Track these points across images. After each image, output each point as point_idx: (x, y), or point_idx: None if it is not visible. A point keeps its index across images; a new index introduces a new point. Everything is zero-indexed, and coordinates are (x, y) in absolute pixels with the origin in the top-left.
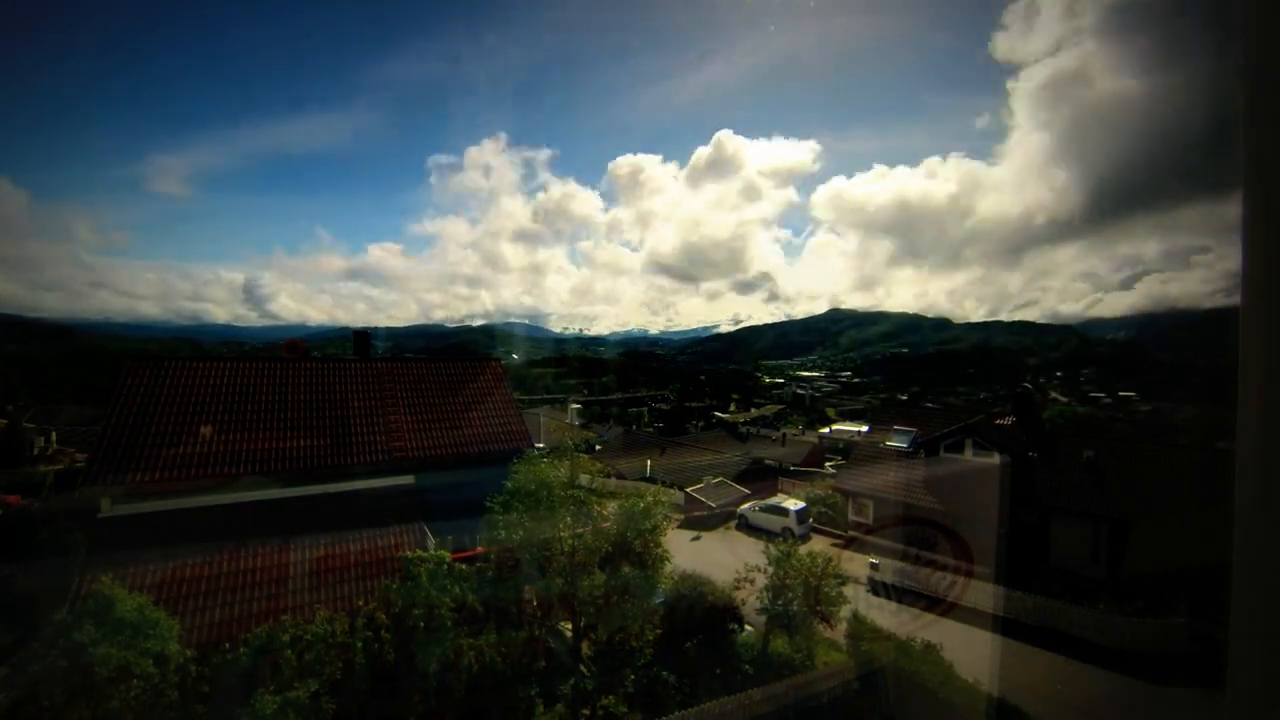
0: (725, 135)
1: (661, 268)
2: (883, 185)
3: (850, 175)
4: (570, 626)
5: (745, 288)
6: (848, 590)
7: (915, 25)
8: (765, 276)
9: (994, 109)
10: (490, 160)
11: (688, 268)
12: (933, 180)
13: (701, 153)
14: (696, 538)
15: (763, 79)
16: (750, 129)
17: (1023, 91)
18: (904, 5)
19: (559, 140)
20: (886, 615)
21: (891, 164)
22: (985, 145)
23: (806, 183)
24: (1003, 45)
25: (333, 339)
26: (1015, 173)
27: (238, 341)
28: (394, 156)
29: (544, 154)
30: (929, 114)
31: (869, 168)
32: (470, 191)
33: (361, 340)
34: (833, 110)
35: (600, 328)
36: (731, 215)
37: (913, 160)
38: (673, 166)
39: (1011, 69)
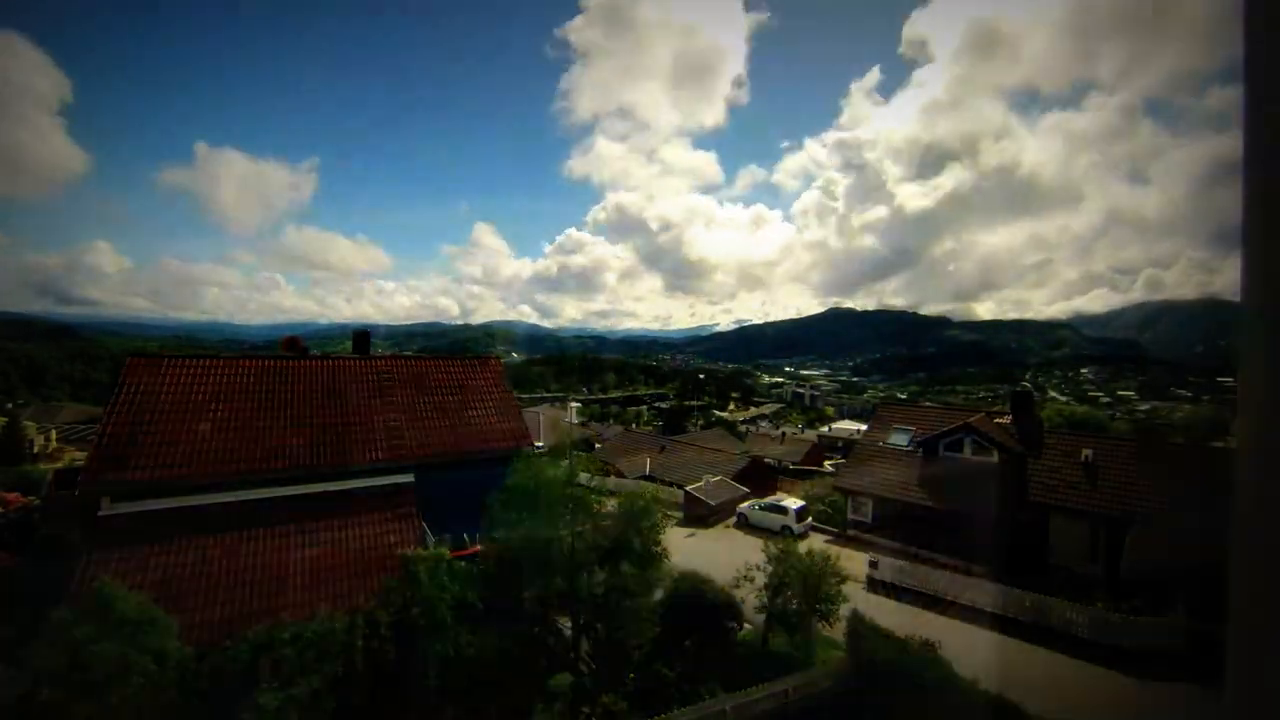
0: None
1: None
2: None
3: None
4: (570, 624)
5: None
6: (847, 588)
7: None
8: None
9: None
10: None
11: None
12: None
13: None
14: (692, 534)
15: None
16: None
17: None
18: None
19: None
20: (885, 613)
21: None
22: None
23: None
24: None
25: (332, 337)
26: None
27: (237, 339)
28: None
29: None
30: None
31: None
32: None
33: (361, 338)
34: None
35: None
36: None
37: None
38: None
39: None
